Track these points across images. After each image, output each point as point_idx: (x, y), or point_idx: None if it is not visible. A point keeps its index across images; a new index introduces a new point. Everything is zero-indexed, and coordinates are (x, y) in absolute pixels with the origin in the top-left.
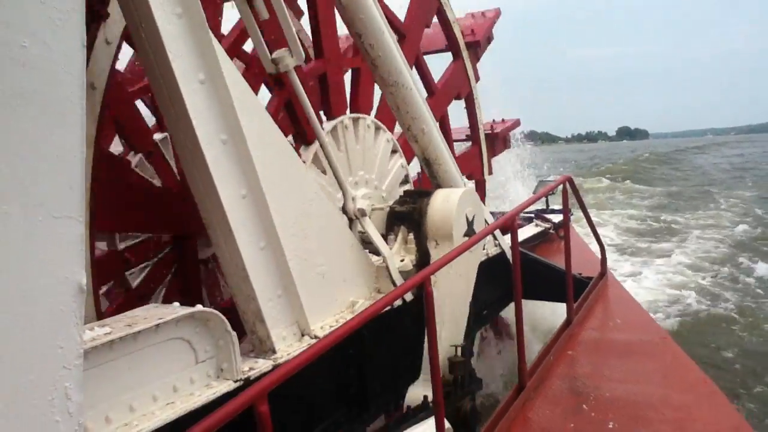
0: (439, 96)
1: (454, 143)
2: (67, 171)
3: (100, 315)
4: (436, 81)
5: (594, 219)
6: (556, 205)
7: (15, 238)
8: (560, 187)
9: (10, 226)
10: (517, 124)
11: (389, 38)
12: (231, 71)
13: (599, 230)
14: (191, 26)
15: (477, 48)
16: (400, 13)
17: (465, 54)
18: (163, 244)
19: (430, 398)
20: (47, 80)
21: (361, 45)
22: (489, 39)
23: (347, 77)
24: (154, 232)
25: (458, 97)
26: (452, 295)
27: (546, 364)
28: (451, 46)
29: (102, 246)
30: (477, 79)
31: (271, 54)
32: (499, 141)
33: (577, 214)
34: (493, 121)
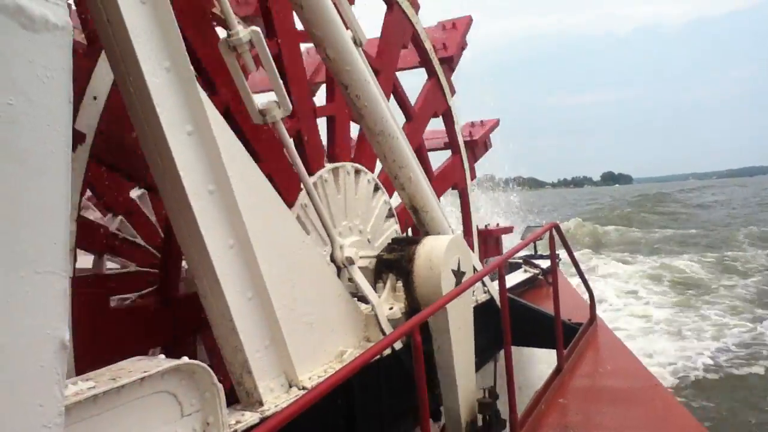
0: (417, 119)
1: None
2: (52, 226)
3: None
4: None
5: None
6: (545, 251)
7: None
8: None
9: None
10: (495, 124)
11: (374, 88)
12: (218, 122)
13: None
14: (179, 79)
15: (451, 62)
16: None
17: (439, 70)
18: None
19: None
20: (33, 136)
21: (347, 96)
22: (462, 47)
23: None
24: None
25: (435, 116)
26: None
27: (537, 413)
28: (424, 63)
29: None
30: (453, 92)
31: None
32: (479, 146)
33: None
34: (472, 123)
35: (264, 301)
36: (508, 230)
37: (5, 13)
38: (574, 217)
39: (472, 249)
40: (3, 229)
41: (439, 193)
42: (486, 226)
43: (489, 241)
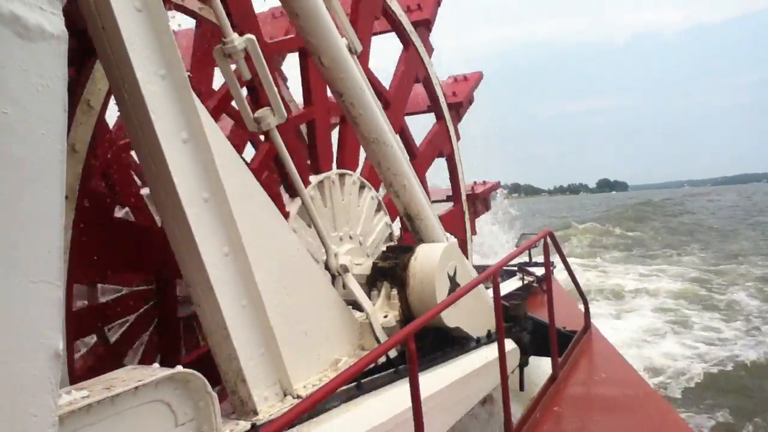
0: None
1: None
2: (46, 235)
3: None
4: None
5: None
6: (540, 258)
7: None
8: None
9: None
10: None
11: (369, 96)
12: (213, 130)
13: None
14: (174, 87)
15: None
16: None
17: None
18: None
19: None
20: (27, 144)
21: (343, 103)
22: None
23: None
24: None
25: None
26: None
27: (532, 421)
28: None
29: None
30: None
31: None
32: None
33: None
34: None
35: (258, 308)
36: (496, 186)
37: (1, 22)
38: (574, 221)
39: (463, 223)
40: None
41: None
42: (473, 184)
43: (477, 202)
